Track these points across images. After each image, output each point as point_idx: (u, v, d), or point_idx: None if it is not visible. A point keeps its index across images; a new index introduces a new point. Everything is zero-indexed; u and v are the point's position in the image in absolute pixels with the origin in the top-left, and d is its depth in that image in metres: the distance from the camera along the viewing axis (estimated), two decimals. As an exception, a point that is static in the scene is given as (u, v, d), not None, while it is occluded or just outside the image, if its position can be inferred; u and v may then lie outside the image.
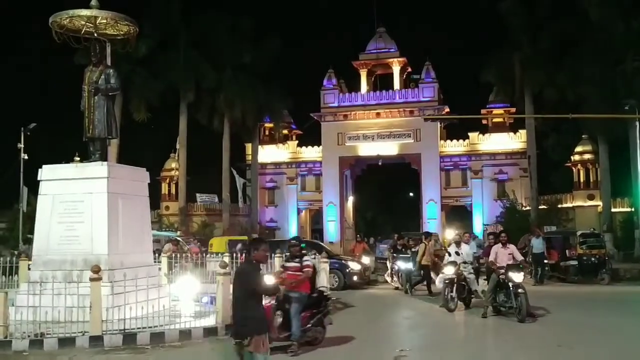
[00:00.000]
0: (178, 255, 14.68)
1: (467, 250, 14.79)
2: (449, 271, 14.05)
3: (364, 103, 41.27)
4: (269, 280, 8.29)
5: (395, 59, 41.92)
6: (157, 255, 17.67)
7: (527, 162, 35.17)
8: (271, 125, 42.51)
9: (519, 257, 12.97)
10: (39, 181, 12.59)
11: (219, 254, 18.74)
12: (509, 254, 12.78)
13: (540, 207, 34.87)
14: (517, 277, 12.20)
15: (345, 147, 41.45)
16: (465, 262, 14.29)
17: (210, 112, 37.04)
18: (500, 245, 13.05)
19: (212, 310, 11.73)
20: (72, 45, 13.29)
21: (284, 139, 44.63)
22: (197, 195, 41.24)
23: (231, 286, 14.32)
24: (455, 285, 13.86)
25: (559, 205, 36.47)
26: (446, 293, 13.84)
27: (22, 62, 47.45)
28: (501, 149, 40.30)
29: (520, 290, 12.02)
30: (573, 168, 36.83)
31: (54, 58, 32.31)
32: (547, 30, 31.52)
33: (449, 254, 14.55)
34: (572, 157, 36.86)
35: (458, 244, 14.69)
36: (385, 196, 54.32)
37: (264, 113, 39.87)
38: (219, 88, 35.68)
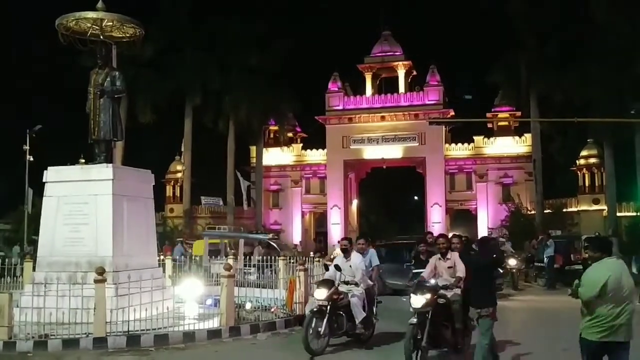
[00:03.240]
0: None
1: (357, 263, 10.16)
2: (319, 295, 9.63)
3: (369, 106, 41.22)
4: None
5: (401, 62, 41.91)
6: (248, 258, 17.09)
7: (533, 165, 35.07)
8: (276, 128, 42.73)
9: (461, 272, 8.79)
10: (44, 183, 12.61)
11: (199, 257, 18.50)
12: (449, 267, 9.03)
13: (545, 211, 34.76)
14: (416, 301, 8.37)
15: (349, 150, 41.42)
16: (346, 282, 9.85)
17: (215, 115, 37.02)
18: (438, 256, 9.23)
19: (216, 312, 11.72)
20: (78, 47, 13.35)
21: (289, 142, 44.58)
22: (202, 197, 41.24)
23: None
24: (327, 315, 9.41)
25: (564, 210, 36.33)
26: (312, 325, 9.34)
27: (27, 64, 47.66)
28: (506, 153, 40.15)
29: (412, 320, 8.27)
30: (578, 172, 36.67)
31: (60, 60, 32.40)
32: (554, 33, 31.45)
33: (327, 269, 10.91)
34: (577, 161, 36.69)
35: (347, 253, 10.30)
36: (390, 199, 54.17)
37: (269, 116, 39.95)
38: (224, 90, 35.71)
